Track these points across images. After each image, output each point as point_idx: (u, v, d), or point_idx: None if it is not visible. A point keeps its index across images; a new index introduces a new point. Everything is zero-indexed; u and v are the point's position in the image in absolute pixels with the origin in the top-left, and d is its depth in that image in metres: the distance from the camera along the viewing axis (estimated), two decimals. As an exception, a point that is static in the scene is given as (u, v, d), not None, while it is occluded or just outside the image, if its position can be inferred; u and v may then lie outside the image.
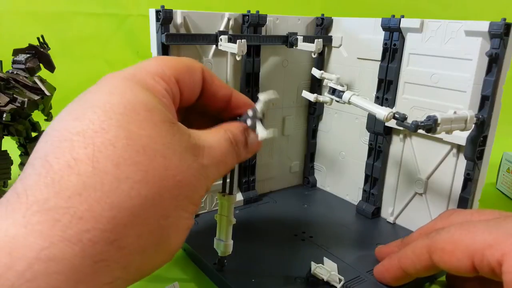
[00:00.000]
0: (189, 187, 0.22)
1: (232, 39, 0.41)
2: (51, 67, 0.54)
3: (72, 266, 0.17)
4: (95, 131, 0.19)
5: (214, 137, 0.25)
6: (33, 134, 0.54)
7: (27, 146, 0.53)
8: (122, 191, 0.19)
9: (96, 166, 0.18)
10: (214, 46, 0.43)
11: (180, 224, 0.22)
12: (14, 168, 0.51)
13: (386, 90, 0.44)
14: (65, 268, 0.17)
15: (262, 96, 0.28)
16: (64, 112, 0.21)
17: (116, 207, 0.18)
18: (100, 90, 0.22)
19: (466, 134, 0.38)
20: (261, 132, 0.28)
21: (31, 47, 0.53)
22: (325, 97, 0.41)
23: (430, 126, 0.32)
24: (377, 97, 0.45)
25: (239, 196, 0.49)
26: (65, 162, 0.18)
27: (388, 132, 0.46)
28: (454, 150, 0.41)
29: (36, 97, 0.50)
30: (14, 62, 0.51)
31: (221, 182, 0.33)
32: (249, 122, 0.28)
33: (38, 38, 0.54)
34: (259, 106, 0.28)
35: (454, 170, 0.41)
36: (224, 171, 0.26)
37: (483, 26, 0.36)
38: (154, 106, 0.22)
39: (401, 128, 0.37)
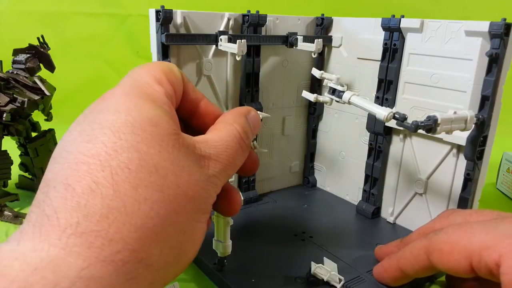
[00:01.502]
0: (200, 200, 0.23)
1: (232, 39, 0.41)
2: (51, 67, 0.54)
3: (108, 284, 0.18)
4: (108, 153, 0.20)
5: (221, 140, 0.25)
6: (33, 134, 0.54)
7: (27, 146, 0.53)
8: (143, 212, 0.20)
9: (116, 189, 0.19)
10: (214, 46, 0.43)
11: (196, 235, 0.23)
12: (14, 168, 0.51)
13: (386, 90, 0.44)
14: (102, 286, 0.18)
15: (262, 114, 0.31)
16: (74, 133, 0.21)
17: (140, 228, 0.19)
18: (106, 108, 0.22)
19: (466, 134, 0.38)
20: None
21: (31, 47, 0.53)
22: (325, 97, 0.41)
23: (430, 126, 0.32)
24: (377, 97, 0.45)
25: (239, 196, 0.49)
26: (87, 186, 0.19)
27: (388, 132, 0.46)
28: (454, 150, 0.41)
29: (36, 97, 0.50)
30: (14, 62, 0.51)
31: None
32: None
33: (38, 38, 0.54)
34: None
35: (454, 170, 0.41)
36: (233, 172, 0.26)
37: (483, 26, 0.36)
38: (159, 118, 0.22)
39: (401, 128, 0.37)
